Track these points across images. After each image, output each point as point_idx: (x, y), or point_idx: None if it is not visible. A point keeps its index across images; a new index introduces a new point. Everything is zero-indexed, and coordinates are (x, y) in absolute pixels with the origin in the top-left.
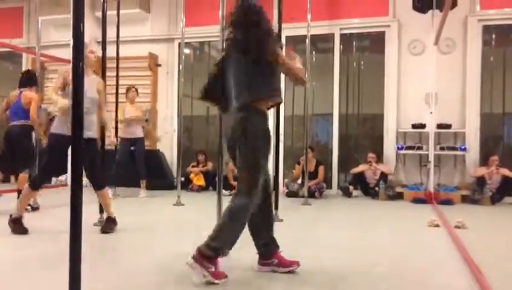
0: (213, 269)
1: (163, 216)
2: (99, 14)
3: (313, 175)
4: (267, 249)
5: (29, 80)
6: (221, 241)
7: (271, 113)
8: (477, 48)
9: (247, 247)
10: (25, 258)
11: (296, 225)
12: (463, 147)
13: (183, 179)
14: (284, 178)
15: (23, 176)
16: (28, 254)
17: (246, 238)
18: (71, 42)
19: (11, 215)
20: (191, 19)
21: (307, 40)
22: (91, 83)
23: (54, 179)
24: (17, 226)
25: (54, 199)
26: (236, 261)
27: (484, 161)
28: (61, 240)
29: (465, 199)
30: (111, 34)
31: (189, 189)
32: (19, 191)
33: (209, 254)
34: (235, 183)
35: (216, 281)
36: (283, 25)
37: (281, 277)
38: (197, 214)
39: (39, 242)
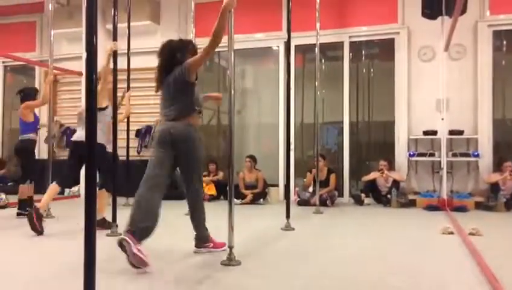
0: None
1: (174, 226)
2: (110, 26)
3: (325, 183)
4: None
5: (26, 95)
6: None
7: (281, 122)
8: (488, 53)
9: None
10: (38, 270)
11: (307, 234)
12: (476, 153)
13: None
14: (295, 186)
15: (24, 187)
16: (42, 264)
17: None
18: (84, 55)
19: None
20: (200, 29)
21: (316, 49)
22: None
23: (67, 191)
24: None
25: (67, 209)
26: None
27: (497, 166)
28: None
29: (479, 206)
30: (122, 46)
31: None
32: (19, 202)
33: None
34: (246, 192)
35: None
36: (292, 34)
37: (290, 286)
38: (208, 224)
39: (53, 252)
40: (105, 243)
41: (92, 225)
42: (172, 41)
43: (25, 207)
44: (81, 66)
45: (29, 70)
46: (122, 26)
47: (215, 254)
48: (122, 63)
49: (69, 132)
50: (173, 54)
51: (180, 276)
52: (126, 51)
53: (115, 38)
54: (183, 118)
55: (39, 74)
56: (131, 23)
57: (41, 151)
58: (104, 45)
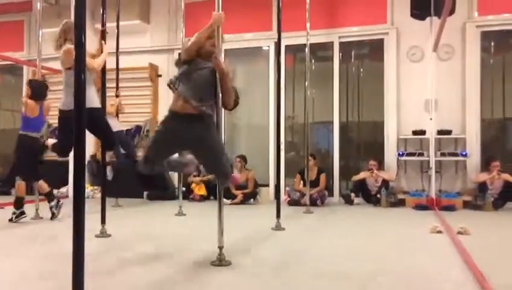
0: None
1: (165, 226)
2: (99, 25)
3: (315, 183)
4: None
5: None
6: None
7: (271, 122)
8: (476, 54)
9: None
10: (26, 270)
11: (298, 234)
12: (464, 153)
13: (184, 189)
14: (285, 186)
15: (20, 183)
16: (28, 265)
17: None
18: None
19: None
20: (191, 29)
21: (306, 49)
22: None
23: (55, 191)
24: None
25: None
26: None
27: (485, 166)
28: (62, 252)
29: (467, 205)
30: (111, 45)
31: (191, 199)
32: (17, 199)
33: None
34: (237, 192)
35: None
36: (282, 34)
37: (280, 286)
38: (199, 224)
39: (41, 253)
40: (93, 243)
41: (80, 221)
42: None
43: (21, 204)
44: None
45: (17, 69)
46: (111, 25)
47: (206, 254)
48: (111, 63)
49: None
50: None
51: (169, 276)
52: (115, 51)
53: (103, 38)
54: None
55: (27, 74)
56: (120, 23)
57: None
58: (92, 44)
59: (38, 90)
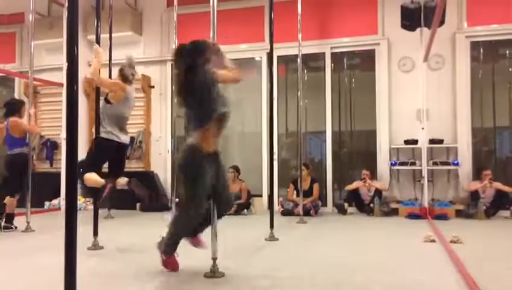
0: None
1: (158, 238)
2: (91, 37)
3: (308, 193)
4: None
5: (12, 107)
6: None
7: (265, 132)
8: (466, 64)
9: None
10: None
11: (291, 244)
12: (456, 162)
13: (177, 199)
14: (279, 197)
15: (10, 199)
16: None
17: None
18: (65, 66)
19: None
20: (183, 40)
21: (298, 59)
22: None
23: (47, 203)
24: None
25: (48, 222)
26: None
27: (477, 174)
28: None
29: (459, 214)
30: (104, 56)
31: None
32: (7, 215)
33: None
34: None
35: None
36: (275, 45)
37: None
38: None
39: (33, 265)
40: (85, 257)
41: (72, 234)
42: None
43: (11, 220)
44: (61, 77)
45: (8, 81)
46: (104, 36)
47: (199, 266)
48: (104, 75)
49: (49, 143)
50: None
51: (162, 288)
52: (108, 62)
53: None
54: None
55: (19, 86)
56: (113, 34)
57: None
58: (84, 56)
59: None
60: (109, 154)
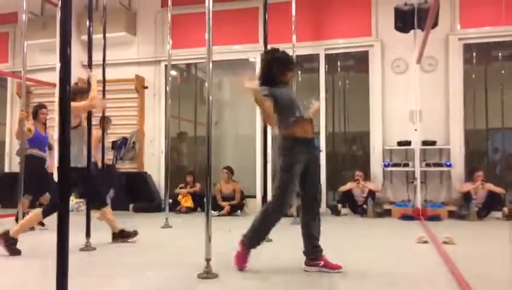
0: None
1: (151, 239)
2: (85, 37)
3: None
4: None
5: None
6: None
7: (258, 133)
8: (459, 66)
9: None
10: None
11: (285, 245)
12: (448, 163)
13: (170, 201)
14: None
15: (23, 200)
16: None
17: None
18: (58, 66)
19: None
20: (177, 41)
21: None
22: None
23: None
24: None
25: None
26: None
27: (469, 176)
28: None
29: (452, 215)
30: (97, 57)
31: (178, 211)
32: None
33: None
34: (224, 203)
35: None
36: (269, 46)
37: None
38: (185, 236)
39: (26, 266)
40: (78, 257)
41: (64, 235)
42: None
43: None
44: (54, 77)
45: (1, 81)
46: (97, 37)
47: (193, 267)
48: (97, 75)
49: None
50: None
51: (155, 289)
52: (102, 62)
53: (90, 49)
54: None
55: (11, 85)
56: (106, 34)
57: (13, 165)
58: (77, 56)
59: None
60: None
